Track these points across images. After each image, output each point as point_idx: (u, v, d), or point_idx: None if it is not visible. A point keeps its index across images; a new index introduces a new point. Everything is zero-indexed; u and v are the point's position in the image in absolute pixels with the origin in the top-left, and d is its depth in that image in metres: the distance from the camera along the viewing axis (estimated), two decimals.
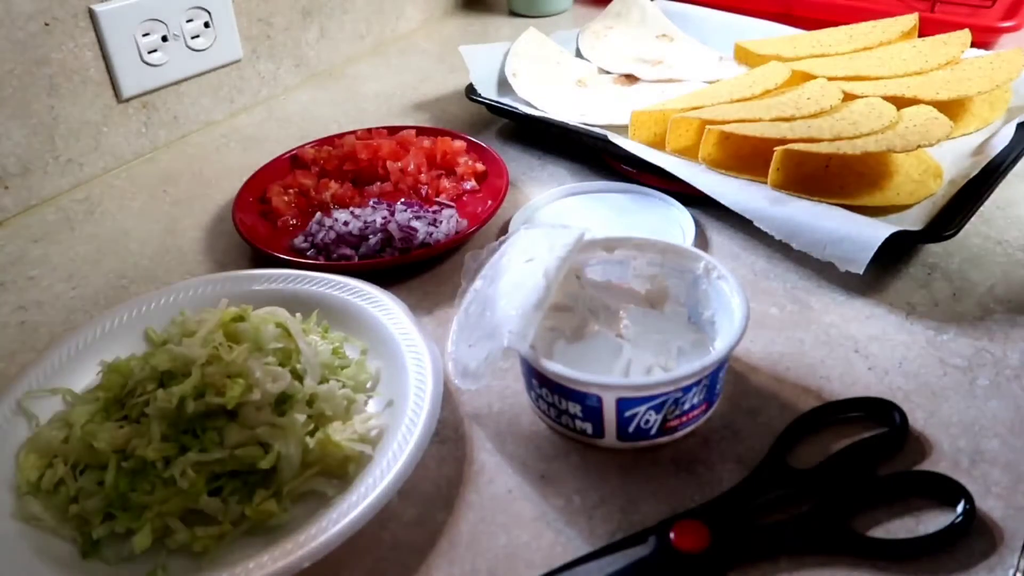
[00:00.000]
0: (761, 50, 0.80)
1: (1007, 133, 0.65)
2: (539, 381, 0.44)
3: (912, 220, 0.57)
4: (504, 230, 0.64)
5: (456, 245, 0.61)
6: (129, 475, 0.41)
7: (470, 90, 0.79)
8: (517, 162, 0.74)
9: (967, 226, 0.56)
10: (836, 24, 0.81)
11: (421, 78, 0.95)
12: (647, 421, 0.42)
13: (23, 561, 0.38)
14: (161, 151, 0.80)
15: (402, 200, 0.65)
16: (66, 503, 0.41)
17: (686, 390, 0.42)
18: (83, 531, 0.40)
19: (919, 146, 0.58)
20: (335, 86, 0.94)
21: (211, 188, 0.73)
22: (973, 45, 0.74)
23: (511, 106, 0.76)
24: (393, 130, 0.75)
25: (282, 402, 0.44)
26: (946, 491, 0.40)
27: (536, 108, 0.75)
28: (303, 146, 0.73)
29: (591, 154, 0.73)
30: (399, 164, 0.70)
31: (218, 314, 0.47)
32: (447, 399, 0.48)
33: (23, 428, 0.45)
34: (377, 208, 0.63)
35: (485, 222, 0.62)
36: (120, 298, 0.59)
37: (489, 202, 0.65)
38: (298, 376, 0.46)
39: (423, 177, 0.69)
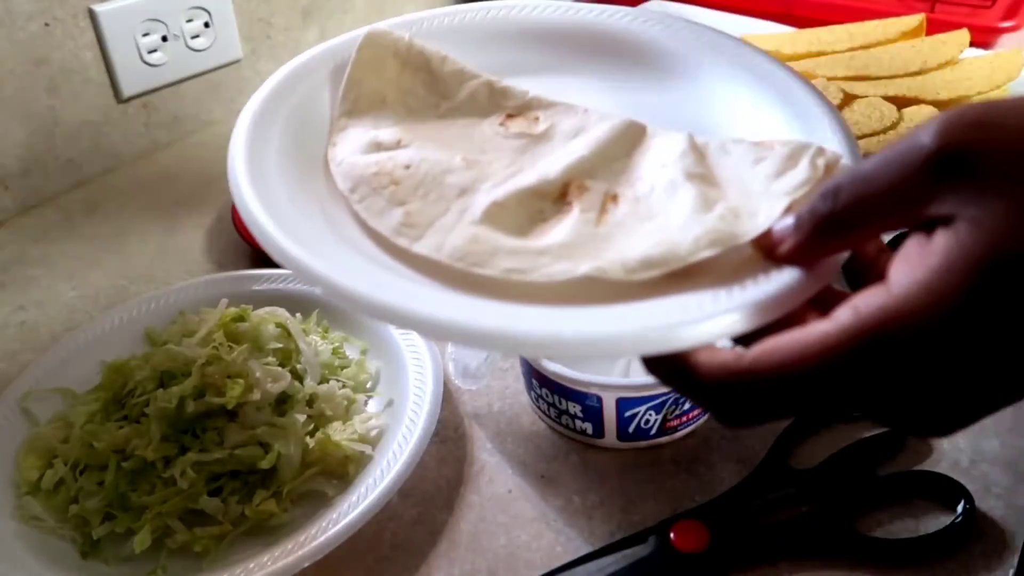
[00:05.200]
0: (761, 46, 0.80)
1: None
2: (539, 381, 0.44)
3: None
4: None
5: None
6: (129, 475, 0.41)
7: None
8: None
9: None
10: (837, 24, 0.81)
11: None
12: (647, 421, 0.42)
13: (23, 561, 0.38)
14: (161, 151, 0.80)
15: None
16: (66, 503, 0.41)
17: None
18: (83, 531, 0.40)
19: None
20: None
21: (211, 188, 0.73)
22: (973, 45, 0.74)
23: None
24: None
25: (282, 402, 0.44)
26: (946, 491, 0.40)
27: None
28: None
29: None
30: None
31: (218, 314, 0.47)
32: (447, 399, 0.48)
33: (23, 428, 0.45)
34: None
35: None
36: (120, 298, 0.59)
37: None
38: (298, 376, 0.46)
39: None
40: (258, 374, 0.43)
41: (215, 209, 0.70)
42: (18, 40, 0.66)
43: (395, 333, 0.49)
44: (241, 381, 0.42)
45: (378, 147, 0.35)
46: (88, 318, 0.57)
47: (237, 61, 0.84)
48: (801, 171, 0.30)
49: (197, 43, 0.79)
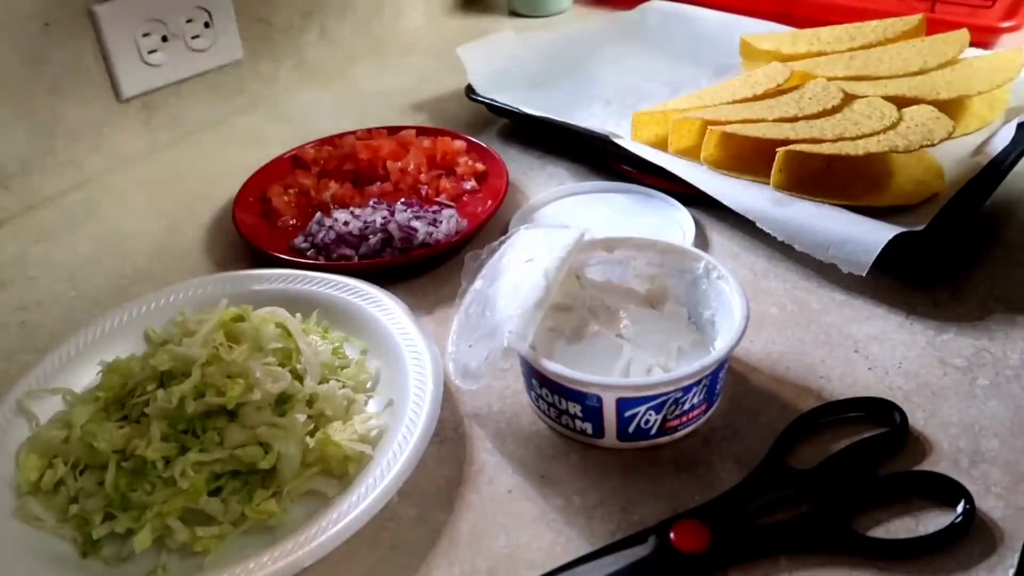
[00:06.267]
0: (761, 44, 0.80)
1: (1007, 133, 0.65)
2: (539, 381, 0.44)
3: (913, 220, 0.57)
4: (504, 230, 0.64)
5: (456, 245, 0.61)
6: (129, 475, 0.41)
7: (470, 90, 0.79)
8: (517, 162, 0.74)
9: (967, 226, 0.56)
10: (837, 24, 0.81)
11: (421, 78, 0.95)
12: (647, 421, 0.42)
13: (23, 561, 0.38)
14: (161, 151, 0.80)
15: (402, 200, 0.65)
16: (66, 503, 0.41)
17: (686, 390, 0.42)
18: (83, 531, 0.40)
19: (922, 146, 0.58)
20: (335, 86, 0.94)
21: (211, 188, 0.73)
22: (973, 45, 0.74)
23: (511, 106, 0.75)
24: (393, 130, 0.75)
25: (282, 402, 0.44)
26: (946, 491, 0.40)
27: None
28: (303, 146, 0.73)
29: (591, 154, 0.73)
30: (399, 164, 0.70)
31: (218, 314, 0.47)
32: (447, 399, 0.48)
33: (23, 428, 0.45)
34: (377, 208, 0.63)
35: (485, 222, 0.62)
36: (120, 298, 0.59)
37: (489, 202, 0.65)
38: (298, 376, 0.46)
39: (423, 177, 0.69)
40: (258, 374, 0.43)
41: (215, 209, 0.70)
42: (18, 40, 0.66)
43: (395, 333, 0.49)
44: (241, 381, 0.42)
45: None
46: (88, 318, 0.57)
47: (237, 61, 0.84)
48: None
49: (197, 43, 0.79)
